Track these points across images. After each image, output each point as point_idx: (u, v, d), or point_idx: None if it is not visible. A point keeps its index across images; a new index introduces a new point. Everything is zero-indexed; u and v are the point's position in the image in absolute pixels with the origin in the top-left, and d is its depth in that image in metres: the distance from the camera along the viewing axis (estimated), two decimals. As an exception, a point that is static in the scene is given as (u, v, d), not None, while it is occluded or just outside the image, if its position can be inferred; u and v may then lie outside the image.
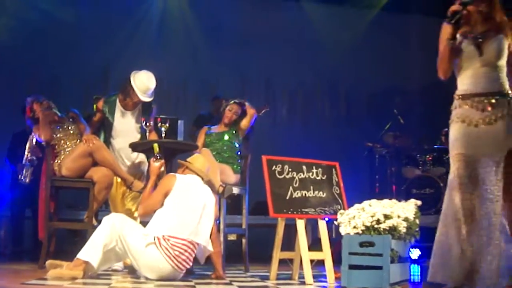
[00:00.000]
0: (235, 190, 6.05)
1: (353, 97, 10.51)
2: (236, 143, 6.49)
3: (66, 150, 6.12)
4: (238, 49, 10.17)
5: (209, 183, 5.35)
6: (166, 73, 9.96)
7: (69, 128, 6.24)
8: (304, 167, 5.51)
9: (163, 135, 5.71)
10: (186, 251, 4.92)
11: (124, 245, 4.88)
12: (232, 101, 6.66)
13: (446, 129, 8.60)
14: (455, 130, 4.09)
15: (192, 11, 10.35)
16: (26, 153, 6.68)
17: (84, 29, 9.73)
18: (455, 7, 3.99)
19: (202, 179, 5.28)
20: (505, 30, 4.07)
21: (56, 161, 6.09)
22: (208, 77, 9.94)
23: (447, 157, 8.59)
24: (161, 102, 9.19)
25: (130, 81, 6.23)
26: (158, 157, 5.40)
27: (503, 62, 4.06)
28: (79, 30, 9.73)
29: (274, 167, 5.32)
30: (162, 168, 5.46)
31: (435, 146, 9.00)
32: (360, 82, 10.42)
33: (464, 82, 4.09)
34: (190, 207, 5.04)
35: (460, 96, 4.09)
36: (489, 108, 3.97)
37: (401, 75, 10.58)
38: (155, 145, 5.48)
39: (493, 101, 3.98)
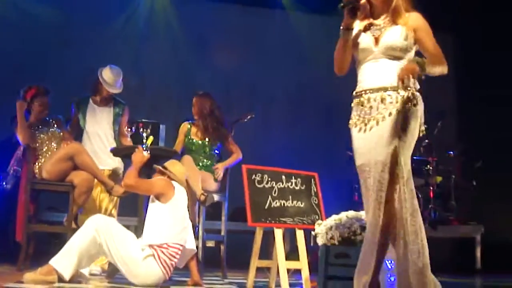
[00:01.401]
0: (216, 198, 6.09)
1: (335, 107, 10.49)
2: (215, 151, 6.54)
3: (48, 153, 6.14)
4: (223, 54, 10.18)
5: (189, 190, 5.38)
6: (149, 77, 10.00)
7: (52, 132, 6.27)
8: (283, 176, 5.54)
9: (145, 140, 5.72)
10: (176, 258, 4.94)
11: (113, 252, 4.79)
12: (195, 95, 6.72)
13: (426, 140, 8.74)
14: (352, 137, 3.79)
15: (178, 16, 10.35)
16: (12, 162, 6.66)
17: (68, 31, 9.67)
18: None
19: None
20: (404, 20, 3.69)
21: (37, 164, 6.11)
22: (192, 82, 9.93)
23: (426, 168, 8.76)
24: (144, 106, 9.26)
25: (97, 76, 6.55)
26: (147, 150, 5.42)
27: (405, 54, 3.68)
28: (62, 31, 9.66)
29: (253, 176, 5.34)
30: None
31: (414, 157, 9.04)
32: (342, 92, 10.34)
33: (360, 78, 3.79)
34: (182, 214, 5.07)
35: (355, 94, 3.79)
36: (381, 105, 3.61)
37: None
38: (151, 138, 5.55)
39: (385, 96, 3.61)
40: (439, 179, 8.96)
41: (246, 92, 10.63)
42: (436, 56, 3.72)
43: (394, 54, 3.67)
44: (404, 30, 3.68)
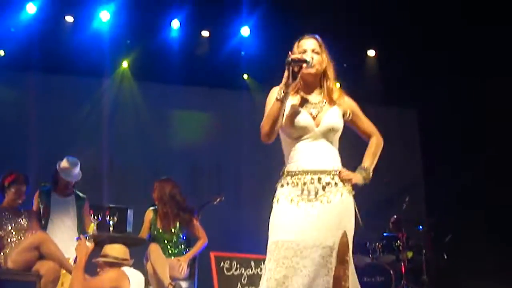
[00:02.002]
0: (184, 286, 6.00)
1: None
2: (182, 238, 6.47)
3: (12, 243, 6.07)
4: (189, 136, 10.19)
5: (157, 278, 5.28)
6: (116, 160, 9.92)
7: (20, 224, 6.21)
8: (252, 262, 5.51)
9: (111, 228, 5.66)
10: None
11: None
12: (156, 180, 6.69)
13: (395, 216, 8.77)
14: (277, 212, 3.60)
15: (145, 100, 10.33)
16: None
17: (34, 117, 9.59)
18: (297, 55, 3.52)
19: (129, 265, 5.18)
20: (339, 102, 3.64)
21: (2, 253, 6.02)
22: (159, 164, 9.88)
23: (396, 244, 8.74)
24: (111, 190, 9.15)
25: (56, 168, 6.69)
26: (90, 238, 5.32)
27: (337, 136, 3.65)
28: (28, 117, 9.58)
29: (222, 263, 5.32)
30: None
31: (384, 234, 9.04)
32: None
33: (296, 157, 3.59)
34: None
35: (290, 173, 3.59)
36: (327, 187, 3.50)
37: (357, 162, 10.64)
38: (92, 225, 5.49)
39: (328, 180, 3.51)
40: (410, 254, 8.94)
41: (214, 173, 10.59)
42: (374, 134, 3.81)
43: (332, 136, 3.61)
44: (340, 111, 3.66)
